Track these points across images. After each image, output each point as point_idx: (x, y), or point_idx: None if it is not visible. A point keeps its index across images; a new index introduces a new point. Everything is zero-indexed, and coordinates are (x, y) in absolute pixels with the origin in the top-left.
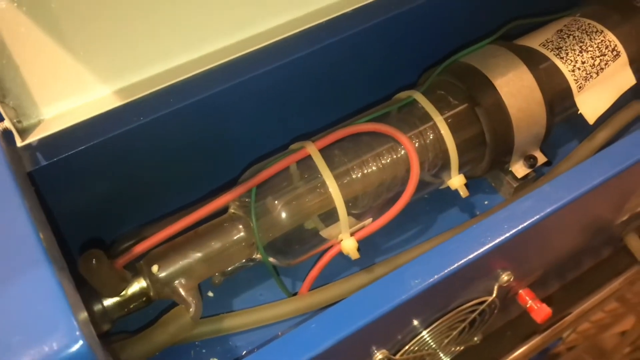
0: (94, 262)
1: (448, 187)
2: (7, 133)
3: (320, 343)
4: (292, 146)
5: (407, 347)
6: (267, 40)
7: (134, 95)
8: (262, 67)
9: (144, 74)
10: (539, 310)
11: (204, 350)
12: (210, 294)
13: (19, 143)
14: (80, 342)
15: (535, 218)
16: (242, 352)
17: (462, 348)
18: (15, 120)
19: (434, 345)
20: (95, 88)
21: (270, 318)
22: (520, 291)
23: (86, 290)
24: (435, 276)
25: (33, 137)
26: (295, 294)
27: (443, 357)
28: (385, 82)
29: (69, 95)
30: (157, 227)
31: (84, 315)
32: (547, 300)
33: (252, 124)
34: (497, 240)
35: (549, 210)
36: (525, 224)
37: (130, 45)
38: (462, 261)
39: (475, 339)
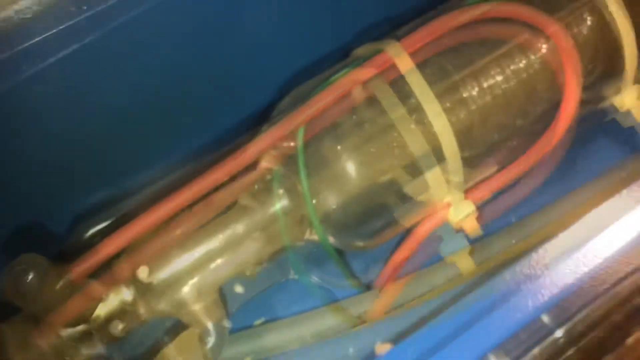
0: (29, 278)
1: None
2: None
3: None
4: (359, 51)
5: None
6: None
7: None
8: None
9: None
10: None
11: None
12: (239, 289)
13: None
14: None
15: None
16: None
17: None
18: None
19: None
20: None
21: (334, 328)
22: None
23: (22, 319)
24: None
25: None
26: (369, 287)
27: None
28: None
29: None
30: (141, 200)
31: None
32: None
33: (283, 19)
34: None
35: None
36: None
37: None
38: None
39: None
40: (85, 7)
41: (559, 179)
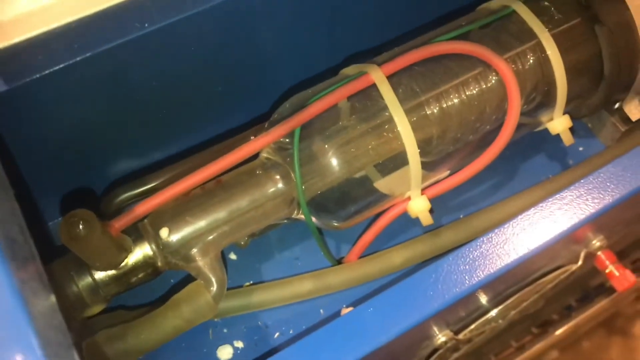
0: (80, 228)
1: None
2: None
3: (379, 335)
4: (346, 70)
5: (472, 326)
6: None
7: None
8: None
9: None
10: (621, 278)
11: (225, 330)
12: (233, 256)
13: None
14: None
15: None
16: (274, 334)
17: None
18: None
19: (500, 321)
20: None
21: (311, 292)
22: (599, 253)
23: (69, 259)
24: (516, 257)
25: None
26: (340, 261)
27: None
28: None
29: None
30: (165, 174)
31: (56, 329)
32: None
33: (288, 39)
34: (598, 208)
35: None
36: (637, 186)
37: None
38: (550, 238)
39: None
40: (146, 24)
41: (500, 186)
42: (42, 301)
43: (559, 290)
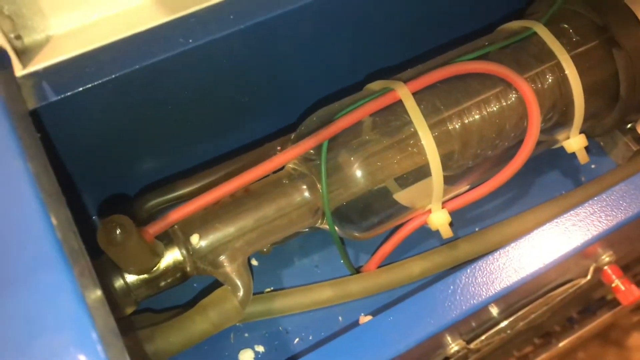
0: (118, 233)
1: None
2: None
3: (397, 344)
4: (371, 85)
5: (483, 337)
6: None
7: (178, 10)
8: None
9: None
10: (627, 292)
11: (246, 335)
12: (255, 262)
13: (19, 70)
14: None
15: None
16: (294, 340)
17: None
18: (12, 35)
19: (508, 331)
20: None
21: (331, 299)
22: (606, 268)
23: (103, 262)
24: (531, 271)
25: (39, 63)
26: (359, 270)
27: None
28: (486, 8)
29: (89, 3)
30: (194, 182)
31: (109, 323)
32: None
33: (313, 56)
34: (611, 225)
35: None
36: None
37: None
38: (564, 253)
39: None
40: (191, 40)
41: (515, 200)
42: (99, 305)
43: (564, 303)
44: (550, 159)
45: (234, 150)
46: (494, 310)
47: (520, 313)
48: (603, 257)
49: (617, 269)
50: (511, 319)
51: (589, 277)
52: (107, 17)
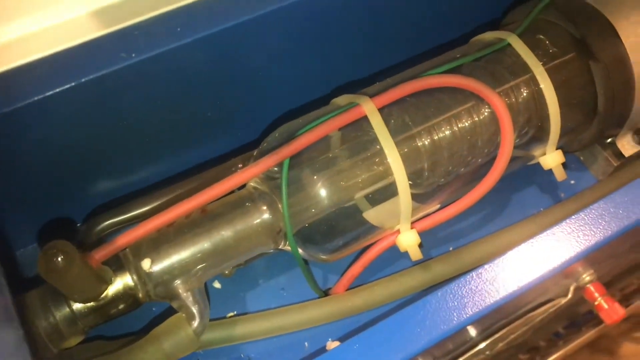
0: (59, 260)
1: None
2: None
3: None
4: (337, 100)
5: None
6: None
7: (122, 20)
8: None
9: None
10: (610, 311)
11: None
12: (218, 285)
13: None
14: None
15: None
16: None
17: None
18: None
19: (487, 352)
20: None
21: (296, 324)
22: (589, 286)
23: (46, 289)
24: (505, 294)
25: None
26: (327, 293)
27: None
28: (462, 17)
29: (32, 12)
30: (147, 202)
31: None
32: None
33: (279, 67)
34: (589, 245)
35: None
36: (629, 223)
37: None
38: (540, 275)
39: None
40: (133, 55)
41: (491, 218)
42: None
43: (547, 320)
44: (528, 174)
45: (195, 167)
46: (472, 332)
47: (498, 335)
48: (584, 276)
49: (600, 286)
50: (489, 340)
51: (569, 296)
52: (52, 26)
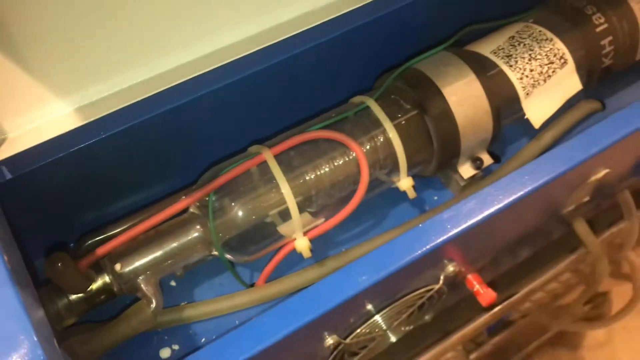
0: (59, 265)
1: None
2: None
3: (274, 333)
4: (251, 149)
5: (358, 331)
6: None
7: (97, 113)
8: (222, 81)
9: (106, 91)
10: (485, 295)
11: (166, 337)
12: (173, 283)
13: None
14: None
15: (477, 219)
16: (201, 339)
17: (412, 327)
18: None
19: (384, 327)
20: (57, 106)
21: (228, 308)
22: (469, 276)
23: (52, 286)
24: (381, 273)
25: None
26: (252, 285)
27: (392, 337)
28: (343, 86)
29: (32, 114)
30: (119, 225)
31: (46, 331)
32: (498, 278)
33: (213, 132)
34: (439, 240)
35: (490, 211)
36: (467, 224)
37: (92, 64)
38: (406, 259)
39: (427, 317)
40: (102, 133)
41: (373, 226)
42: (38, 313)
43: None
44: (402, 194)
45: (153, 201)
46: (368, 306)
47: (386, 311)
48: (448, 267)
49: (477, 276)
50: (380, 314)
51: (440, 283)
52: (47, 121)
